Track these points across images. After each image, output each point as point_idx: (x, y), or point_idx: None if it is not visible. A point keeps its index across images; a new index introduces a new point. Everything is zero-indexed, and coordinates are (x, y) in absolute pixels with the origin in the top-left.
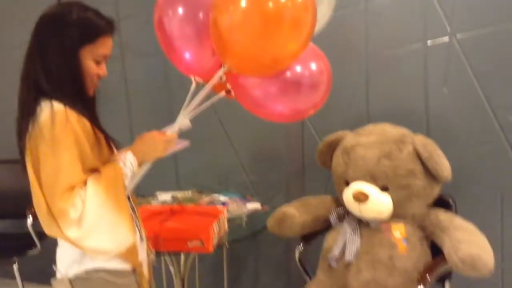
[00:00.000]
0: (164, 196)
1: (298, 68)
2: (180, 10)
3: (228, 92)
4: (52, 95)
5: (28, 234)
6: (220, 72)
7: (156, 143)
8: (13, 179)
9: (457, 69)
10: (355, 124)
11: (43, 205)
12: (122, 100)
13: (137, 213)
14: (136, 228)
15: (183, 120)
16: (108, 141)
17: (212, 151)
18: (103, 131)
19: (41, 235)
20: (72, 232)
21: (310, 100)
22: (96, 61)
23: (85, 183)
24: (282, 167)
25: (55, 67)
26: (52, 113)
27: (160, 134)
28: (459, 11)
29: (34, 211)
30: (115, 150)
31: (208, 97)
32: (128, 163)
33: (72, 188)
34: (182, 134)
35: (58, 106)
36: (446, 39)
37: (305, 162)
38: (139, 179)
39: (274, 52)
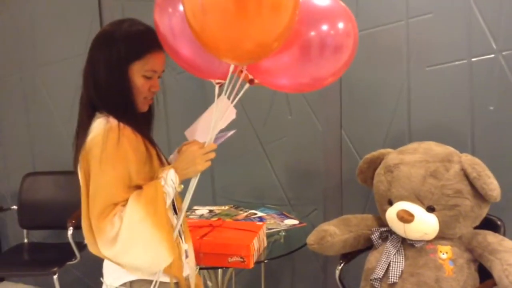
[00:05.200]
0: (202, 211)
1: (324, 27)
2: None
3: (251, 81)
4: (107, 111)
5: (68, 245)
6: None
7: (195, 157)
8: (54, 191)
9: (503, 86)
10: (395, 141)
11: (87, 220)
12: (161, 116)
13: (184, 228)
14: (182, 243)
15: (224, 117)
16: (160, 157)
17: (248, 167)
18: (155, 147)
19: (81, 246)
20: (106, 251)
21: (332, 66)
22: (146, 77)
23: (127, 201)
24: (319, 183)
25: (104, 83)
26: (105, 130)
27: (198, 148)
28: (505, 28)
29: (75, 222)
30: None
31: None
32: (169, 181)
33: (113, 206)
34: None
35: (112, 122)
36: (491, 56)
37: (343, 178)
38: (191, 195)
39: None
